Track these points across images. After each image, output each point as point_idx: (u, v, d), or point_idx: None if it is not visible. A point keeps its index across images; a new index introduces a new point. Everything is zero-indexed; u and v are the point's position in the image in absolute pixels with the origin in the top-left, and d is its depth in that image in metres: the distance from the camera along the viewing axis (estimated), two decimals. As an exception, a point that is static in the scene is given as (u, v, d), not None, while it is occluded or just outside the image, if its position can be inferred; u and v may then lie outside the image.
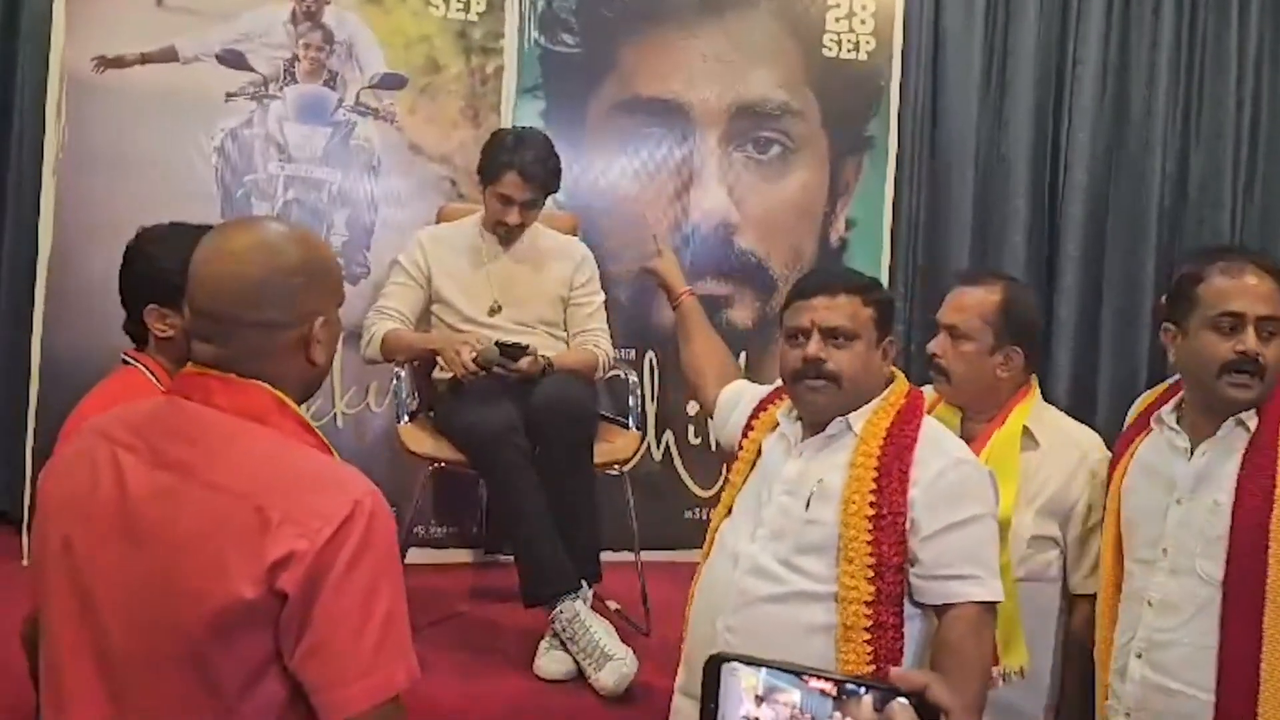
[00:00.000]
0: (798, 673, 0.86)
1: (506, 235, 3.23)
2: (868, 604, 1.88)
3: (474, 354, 3.01)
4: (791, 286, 2.15)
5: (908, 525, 1.91)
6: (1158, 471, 2.06)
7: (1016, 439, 2.27)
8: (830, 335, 2.01)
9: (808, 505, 1.96)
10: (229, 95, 3.56)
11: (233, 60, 3.55)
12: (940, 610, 1.93)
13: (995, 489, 2.01)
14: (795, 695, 0.86)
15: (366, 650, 1.37)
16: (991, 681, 2.18)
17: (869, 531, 1.90)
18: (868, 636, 1.88)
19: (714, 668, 0.87)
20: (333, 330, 1.55)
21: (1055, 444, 2.30)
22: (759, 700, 0.86)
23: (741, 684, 0.86)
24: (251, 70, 3.57)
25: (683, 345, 2.65)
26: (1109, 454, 2.31)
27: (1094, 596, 2.26)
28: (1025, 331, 2.33)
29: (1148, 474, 2.08)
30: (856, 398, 2.03)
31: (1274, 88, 4.43)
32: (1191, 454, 2.02)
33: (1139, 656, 2.02)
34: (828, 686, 0.86)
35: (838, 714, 0.85)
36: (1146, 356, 4.28)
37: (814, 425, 2.06)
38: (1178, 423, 2.06)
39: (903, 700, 0.85)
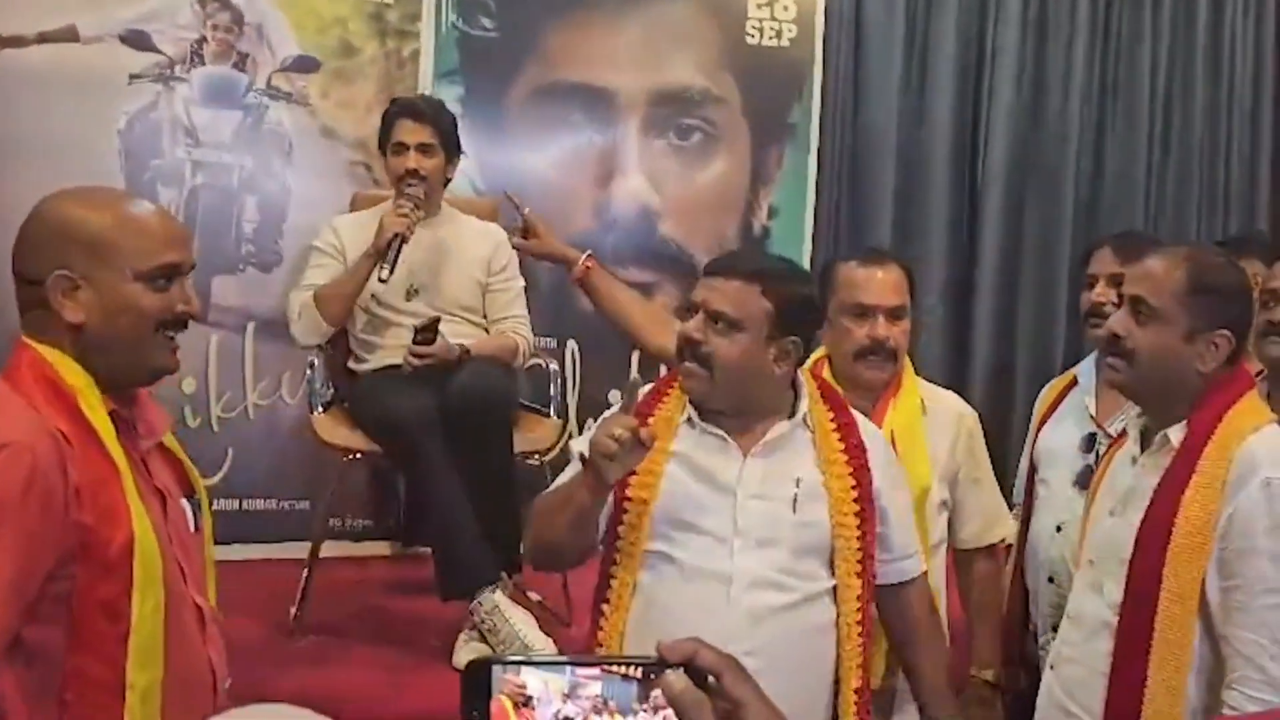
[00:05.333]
0: (565, 664, 0.86)
1: (414, 192, 3.08)
2: (858, 598, 1.89)
3: (404, 211, 2.98)
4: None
5: (878, 515, 1.94)
6: (1112, 477, 1.98)
7: (919, 409, 2.31)
8: (715, 319, 1.88)
9: (795, 508, 1.89)
10: (133, 77, 3.45)
11: (136, 41, 3.44)
12: (895, 589, 2.02)
13: None
14: (598, 686, 0.85)
15: None
16: None
17: (857, 528, 1.90)
18: (859, 630, 1.88)
19: (481, 672, 0.85)
20: (111, 296, 1.54)
21: (939, 411, 2.38)
22: (565, 698, 0.85)
23: (514, 684, 0.85)
24: (157, 51, 3.46)
25: (605, 306, 2.51)
26: (976, 416, 2.44)
27: (987, 549, 2.41)
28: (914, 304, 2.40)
29: (1108, 479, 2.00)
30: (734, 391, 1.91)
31: (1186, 80, 4.50)
32: (1134, 464, 1.92)
33: (1052, 668, 1.98)
34: (596, 671, 0.86)
35: (649, 694, 0.85)
36: (1063, 343, 4.34)
37: (739, 417, 1.93)
38: (1143, 430, 1.94)
39: (674, 669, 0.84)
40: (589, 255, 2.52)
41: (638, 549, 1.90)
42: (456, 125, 3.23)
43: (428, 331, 3.00)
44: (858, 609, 1.88)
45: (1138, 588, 1.79)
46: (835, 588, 1.90)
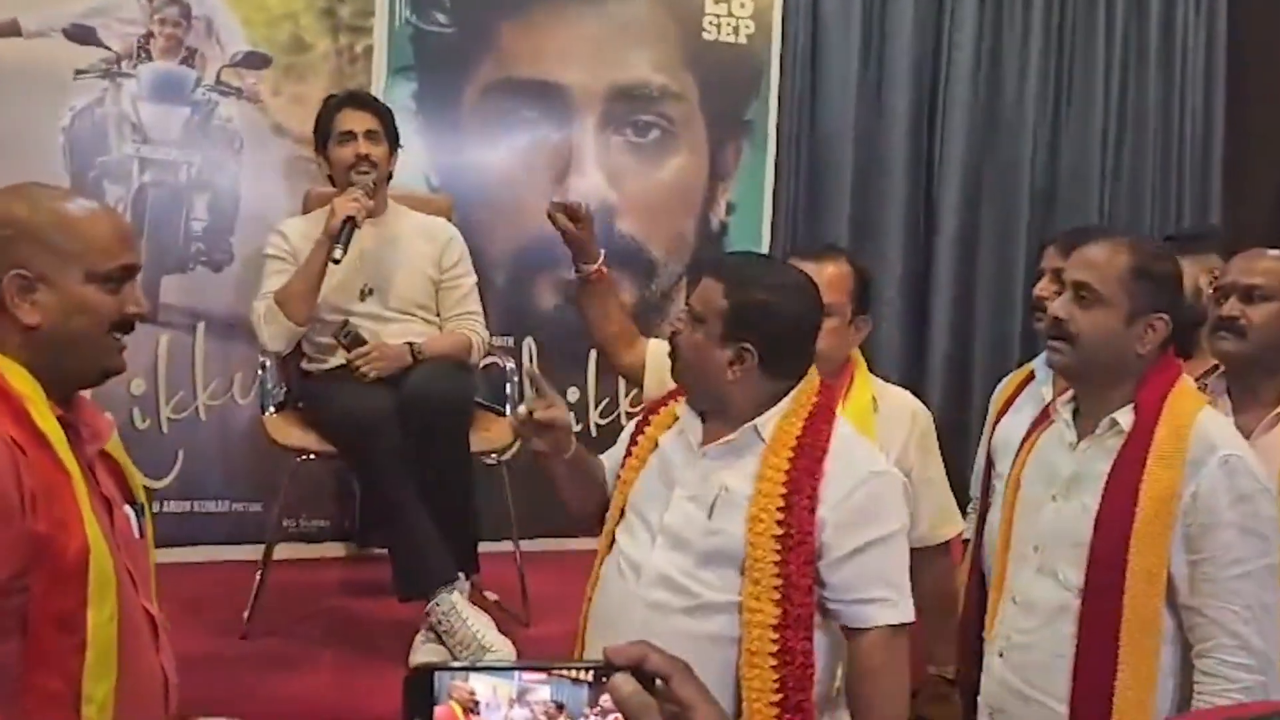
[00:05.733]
0: (511, 669, 0.85)
1: (364, 179, 3.05)
2: (774, 627, 1.76)
3: (355, 196, 2.97)
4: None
5: (817, 547, 1.80)
6: (1046, 463, 2.00)
7: (870, 409, 2.30)
8: (689, 311, 1.91)
9: (710, 514, 1.84)
10: (78, 72, 3.38)
11: (82, 35, 3.37)
12: (852, 632, 1.85)
13: (908, 495, 1.91)
14: (545, 691, 0.84)
15: None
16: None
17: (776, 552, 1.77)
18: (774, 662, 1.76)
19: (424, 679, 0.84)
20: (68, 298, 1.52)
21: (892, 409, 2.37)
22: (511, 703, 0.84)
23: (464, 690, 0.84)
24: (103, 46, 3.40)
25: (595, 313, 2.44)
26: (929, 413, 2.43)
27: (939, 547, 2.39)
28: (868, 301, 2.36)
29: (1039, 465, 2.02)
30: (696, 385, 1.91)
31: (1140, 74, 4.54)
32: (1075, 449, 1.94)
33: (1000, 655, 1.97)
34: (544, 676, 0.85)
35: (605, 699, 0.84)
36: (1019, 337, 4.36)
37: (718, 420, 1.90)
38: (1073, 415, 1.96)
39: (622, 673, 0.84)
40: (604, 259, 2.44)
41: (610, 528, 1.96)
42: (394, 119, 3.21)
43: (347, 336, 3.01)
44: (774, 639, 1.76)
45: (1101, 570, 1.82)
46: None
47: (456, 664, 0.86)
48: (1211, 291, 2.39)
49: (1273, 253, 2.30)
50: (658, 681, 0.84)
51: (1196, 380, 2.40)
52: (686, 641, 1.69)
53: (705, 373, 1.88)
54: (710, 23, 4.05)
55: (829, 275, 2.27)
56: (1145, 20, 4.53)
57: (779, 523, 1.78)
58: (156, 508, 3.47)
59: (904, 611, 1.84)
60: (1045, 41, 4.43)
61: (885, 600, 1.83)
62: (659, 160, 4.03)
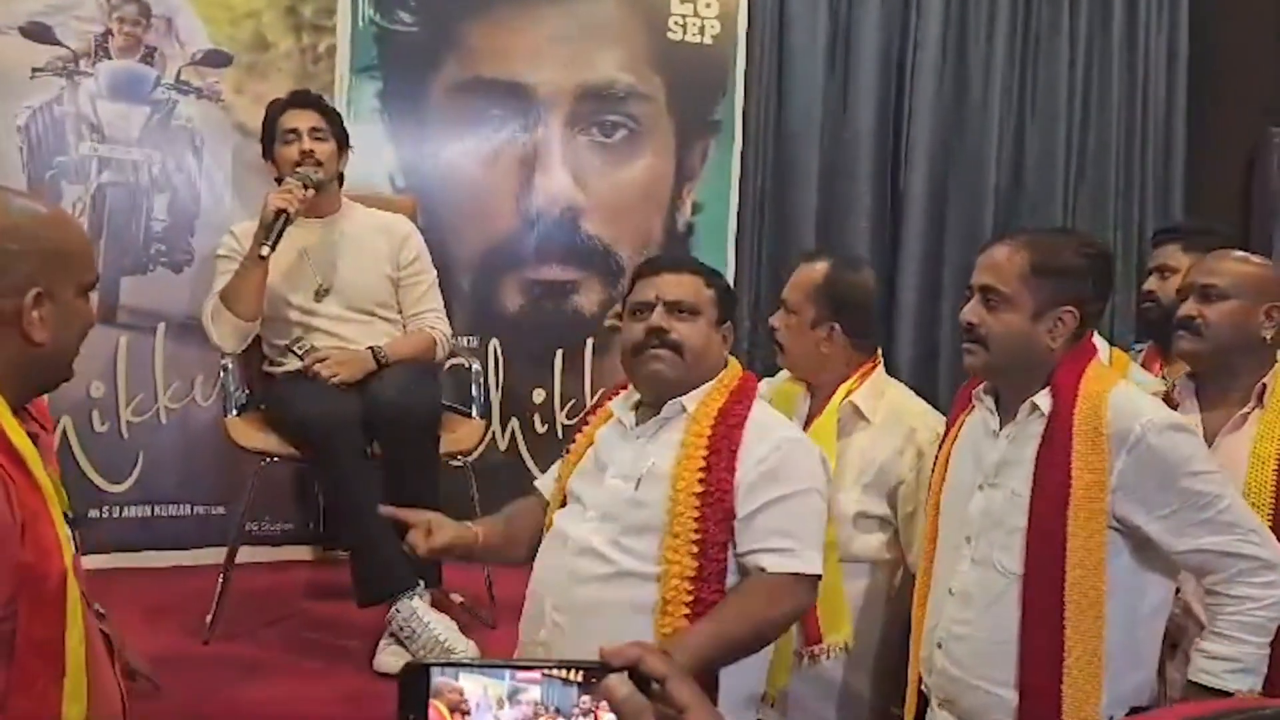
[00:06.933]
0: (504, 667, 0.85)
1: (305, 171, 3.02)
2: (690, 579, 1.88)
3: (290, 188, 2.94)
4: (635, 268, 2.20)
5: (732, 506, 1.93)
6: (971, 451, 2.02)
7: (833, 417, 2.30)
8: (674, 308, 2.04)
9: (637, 486, 1.97)
10: (35, 71, 3.33)
11: (38, 33, 3.33)
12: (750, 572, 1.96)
13: (826, 466, 2.04)
14: (536, 691, 0.84)
15: None
16: (814, 656, 2.20)
17: (696, 508, 1.91)
18: (687, 612, 1.87)
19: (420, 676, 0.84)
20: (66, 312, 1.48)
21: (887, 421, 2.34)
22: (501, 703, 0.84)
23: (453, 691, 0.84)
24: (59, 44, 3.35)
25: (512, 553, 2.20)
26: (939, 432, 2.34)
27: None
28: (845, 308, 2.35)
29: (964, 453, 2.04)
30: (696, 373, 2.04)
31: (1103, 75, 4.57)
32: (998, 436, 1.97)
33: (939, 647, 1.98)
34: (537, 675, 0.85)
35: (585, 699, 0.84)
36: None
37: (652, 407, 2.06)
38: (995, 402, 2.00)
39: (618, 674, 0.84)
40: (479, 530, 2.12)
41: (550, 516, 2.10)
42: (342, 119, 3.19)
43: (299, 345, 3.02)
44: (689, 590, 1.88)
45: (1040, 551, 1.85)
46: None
47: (452, 661, 0.86)
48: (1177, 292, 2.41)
49: (1236, 254, 2.32)
50: (653, 684, 0.84)
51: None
52: (601, 606, 1.91)
53: (711, 357, 2.07)
54: (676, 23, 4.05)
55: (798, 273, 2.40)
56: (1109, 19, 4.56)
57: (700, 481, 1.92)
58: (116, 512, 3.44)
59: (801, 561, 1.93)
60: (1010, 40, 4.45)
61: (781, 550, 1.92)
62: (626, 160, 4.02)
